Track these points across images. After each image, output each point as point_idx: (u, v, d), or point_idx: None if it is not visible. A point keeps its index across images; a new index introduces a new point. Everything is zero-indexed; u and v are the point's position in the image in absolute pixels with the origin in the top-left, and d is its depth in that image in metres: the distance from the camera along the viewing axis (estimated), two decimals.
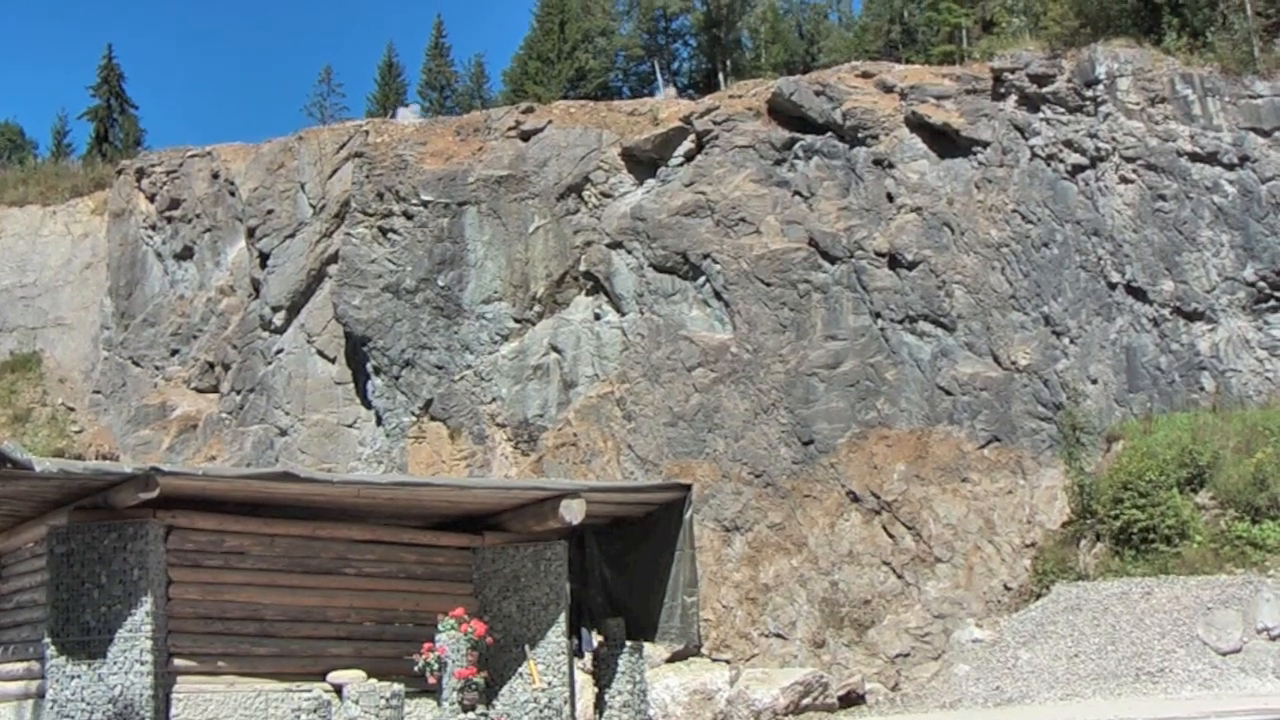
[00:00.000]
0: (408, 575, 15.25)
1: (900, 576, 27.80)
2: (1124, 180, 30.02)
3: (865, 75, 32.72)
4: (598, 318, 32.28)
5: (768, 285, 31.06)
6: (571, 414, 31.47)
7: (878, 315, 30.31)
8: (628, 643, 15.98)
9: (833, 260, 30.97)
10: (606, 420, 31.08)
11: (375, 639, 14.91)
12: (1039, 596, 23.24)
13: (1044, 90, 31.14)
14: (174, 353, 36.33)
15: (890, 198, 31.11)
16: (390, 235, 33.60)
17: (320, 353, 34.47)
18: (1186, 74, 30.62)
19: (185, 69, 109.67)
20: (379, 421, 33.34)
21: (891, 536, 28.27)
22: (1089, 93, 30.82)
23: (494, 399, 32.07)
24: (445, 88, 49.54)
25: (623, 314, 32.10)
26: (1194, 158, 29.83)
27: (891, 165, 31.31)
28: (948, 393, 29.23)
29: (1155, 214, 29.63)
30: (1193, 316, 28.48)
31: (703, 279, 31.60)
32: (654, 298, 31.84)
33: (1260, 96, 30.17)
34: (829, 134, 32.02)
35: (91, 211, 39.76)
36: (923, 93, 31.85)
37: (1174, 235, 29.38)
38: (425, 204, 33.39)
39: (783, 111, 32.50)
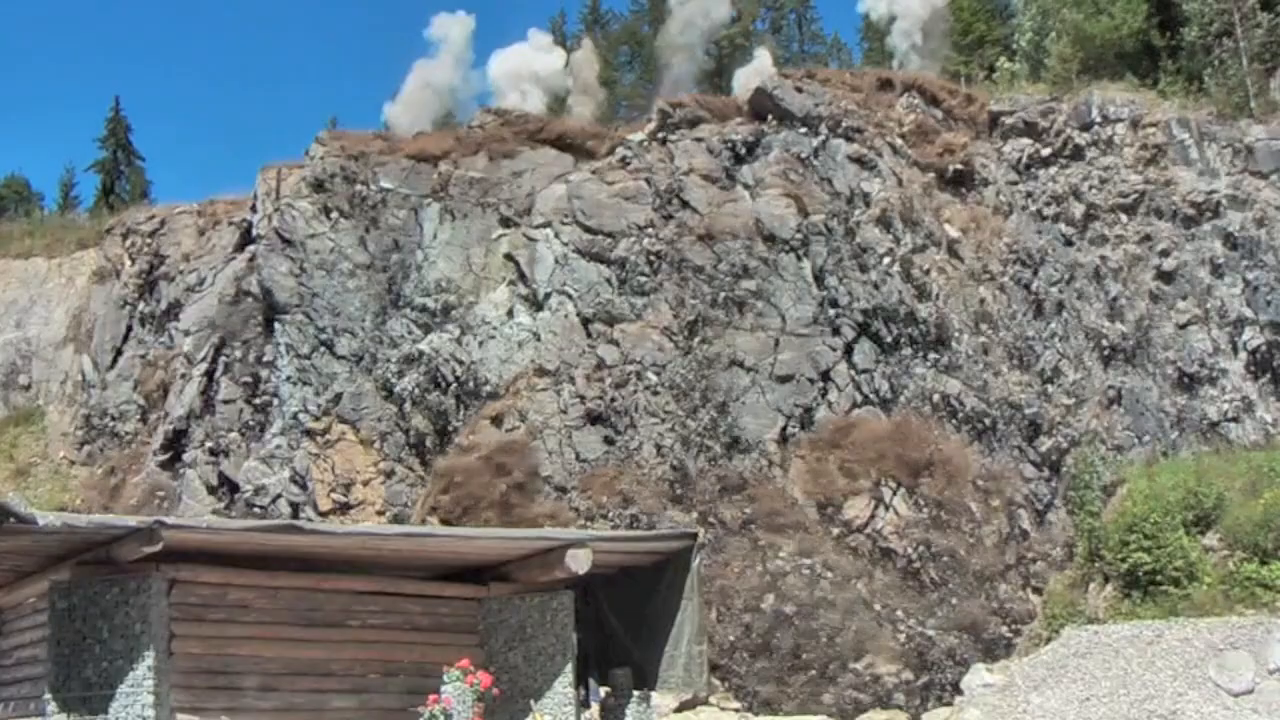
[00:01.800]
0: (413, 626, 15.15)
1: (888, 613, 24.78)
2: (1121, 223, 30.05)
3: (854, 88, 31.71)
4: (512, 314, 29.56)
5: (704, 272, 28.36)
6: (482, 428, 27.99)
7: (836, 313, 27.80)
8: (635, 693, 15.84)
9: (790, 250, 28.53)
10: (526, 432, 27.46)
11: (380, 691, 14.79)
12: (1048, 640, 23.08)
13: (1041, 132, 31.22)
14: (142, 410, 34.95)
15: (866, 199, 29.16)
16: (333, 214, 31.25)
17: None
18: (1183, 118, 30.91)
19: (193, 119, 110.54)
20: (279, 402, 30.23)
21: (872, 563, 25.16)
22: (1086, 135, 31.03)
23: (405, 403, 29.18)
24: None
25: (543, 309, 29.21)
26: (1192, 202, 29.96)
27: (873, 165, 29.66)
28: (946, 411, 27.06)
29: (1153, 256, 29.64)
30: (1194, 360, 28.44)
31: (633, 262, 28.85)
32: (580, 288, 28.94)
33: (1257, 140, 30.45)
34: (804, 128, 30.30)
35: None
36: (914, 94, 31.18)
37: (1174, 278, 29.39)
38: (385, 191, 31.34)
39: (762, 109, 30.98)
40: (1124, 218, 30.15)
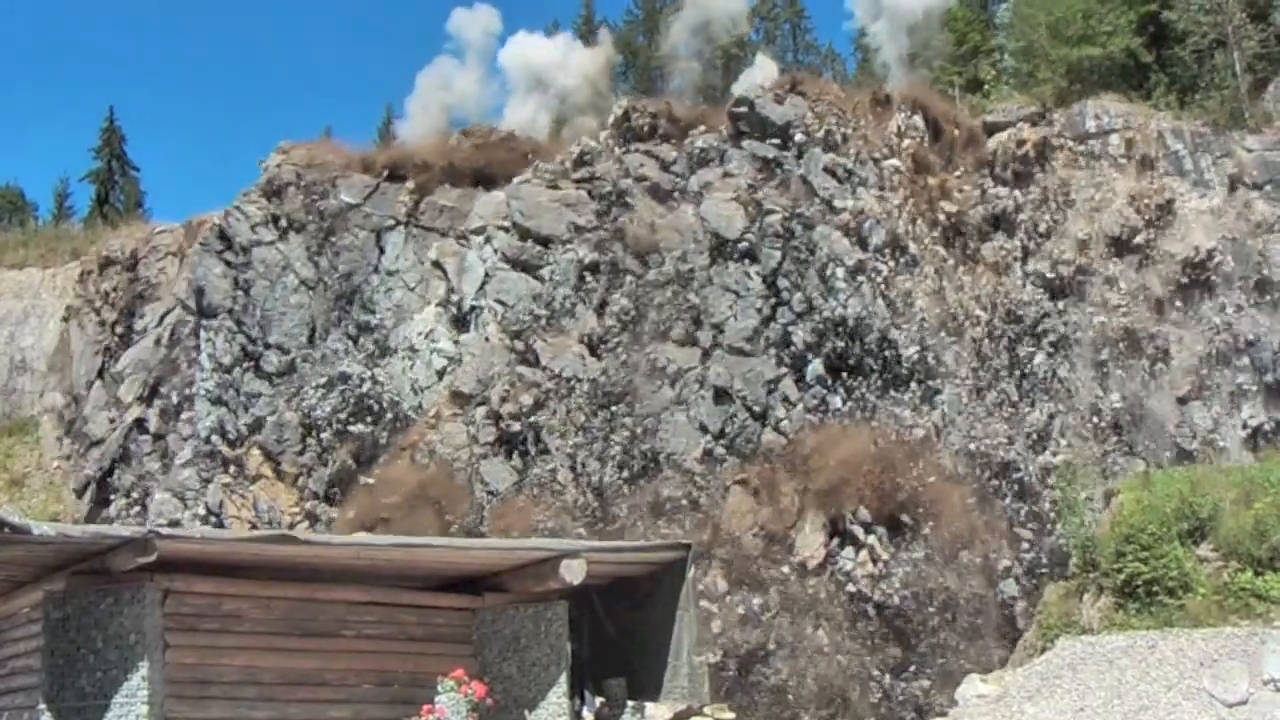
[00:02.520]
0: (407, 637, 15.16)
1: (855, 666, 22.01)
2: (1120, 290, 29.13)
3: (837, 100, 30.02)
4: (433, 336, 27.56)
5: (640, 279, 26.28)
6: (402, 465, 25.81)
7: (787, 325, 25.54)
8: (629, 703, 15.86)
9: (742, 258, 26.43)
10: (437, 465, 25.27)
11: (375, 701, 14.79)
12: (1043, 651, 23.08)
13: (1030, 171, 30.31)
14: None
15: (832, 205, 27.02)
16: (281, 221, 29.06)
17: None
18: (1177, 129, 30.98)
19: (193, 129, 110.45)
20: (194, 420, 27.78)
21: (832, 606, 22.58)
22: (1080, 148, 31.00)
23: (324, 431, 27.00)
24: None
25: (467, 329, 27.31)
26: (1190, 262, 29.35)
27: (849, 174, 27.80)
28: (926, 449, 25.06)
29: (1151, 322, 28.61)
30: (1194, 436, 28.17)
31: (564, 270, 27.05)
32: (509, 301, 26.89)
33: (1250, 151, 30.53)
34: (776, 139, 28.49)
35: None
36: (914, 114, 30.08)
37: (1170, 350, 28.59)
38: (347, 207, 29.12)
39: (741, 120, 29.52)
40: (1121, 284, 28.97)
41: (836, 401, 24.88)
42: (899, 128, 29.95)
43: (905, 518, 23.43)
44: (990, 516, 24.67)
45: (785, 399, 24.71)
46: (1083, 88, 33.60)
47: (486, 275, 27.67)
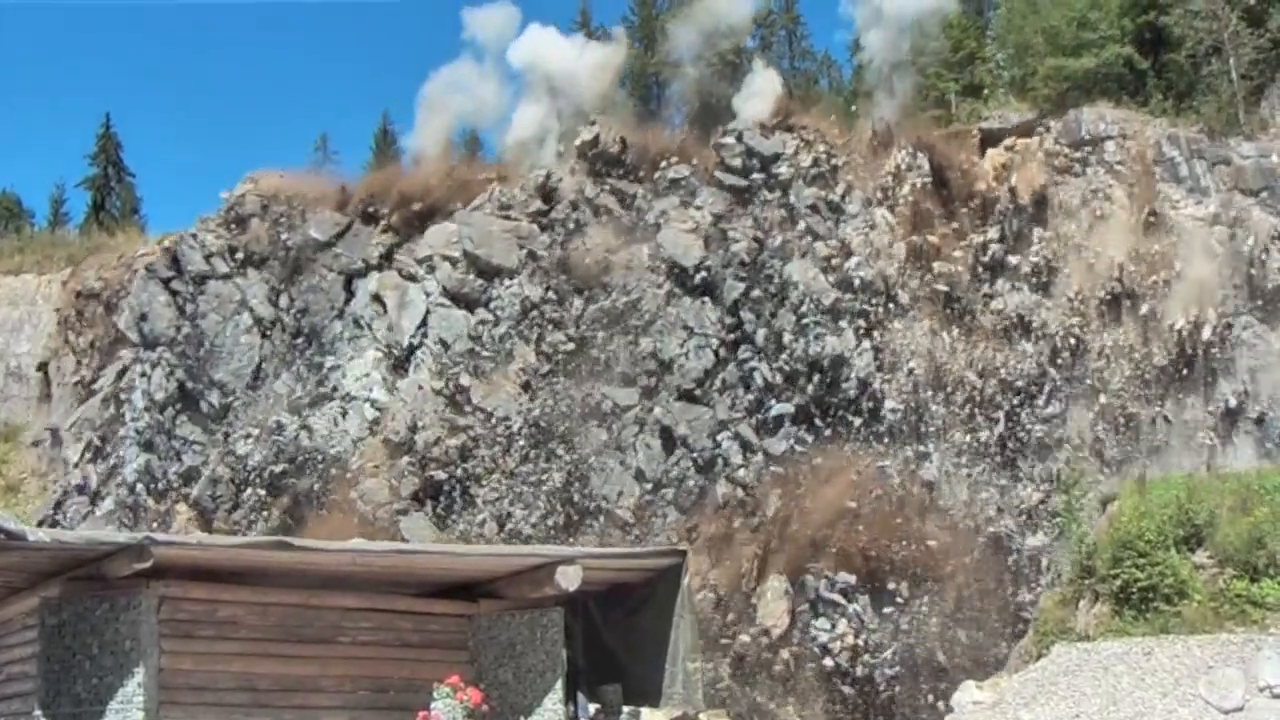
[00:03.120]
0: (403, 643, 15.16)
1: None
2: (1115, 363, 28.39)
3: (826, 135, 29.30)
4: (367, 382, 25.93)
5: (582, 316, 24.95)
6: (335, 521, 23.84)
7: (750, 360, 24.20)
8: (625, 709, 15.86)
9: (701, 292, 25.09)
10: (361, 526, 23.35)
11: (370, 708, 14.78)
12: (1039, 657, 23.10)
13: (1031, 196, 29.61)
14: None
15: (813, 241, 25.85)
16: (239, 254, 27.22)
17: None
18: (1173, 135, 31.09)
19: (188, 135, 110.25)
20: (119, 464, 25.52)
21: (798, 679, 20.98)
22: (1076, 154, 31.06)
23: (260, 486, 25.16)
24: None
25: (405, 373, 25.74)
26: (1181, 224, 29.37)
27: (835, 209, 26.81)
28: (914, 508, 23.99)
29: (1153, 399, 27.90)
30: (1185, 456, 27.93)
31: (507, 304, 25.70)
32: (449, 339, 25.27)
33: (1247, 158, 30.64)
34: (762, 173, 27.42)
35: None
36: (917, 154, 29.65)
37: (1173, 422, 27.77)
38: (318, 244, 27.37)
39: (726, 150, 28.53)
40: (1123, 361, 28.07)
41: (807, 451, 23.21)
42: (897, 167, 28.82)
43: (892, 586, 21.83)
44: (985, 590, 23.51)
45: (745, 446, 23.00)
46: (1078, 94, 33.67)
47: (428, 311, 26.23)
